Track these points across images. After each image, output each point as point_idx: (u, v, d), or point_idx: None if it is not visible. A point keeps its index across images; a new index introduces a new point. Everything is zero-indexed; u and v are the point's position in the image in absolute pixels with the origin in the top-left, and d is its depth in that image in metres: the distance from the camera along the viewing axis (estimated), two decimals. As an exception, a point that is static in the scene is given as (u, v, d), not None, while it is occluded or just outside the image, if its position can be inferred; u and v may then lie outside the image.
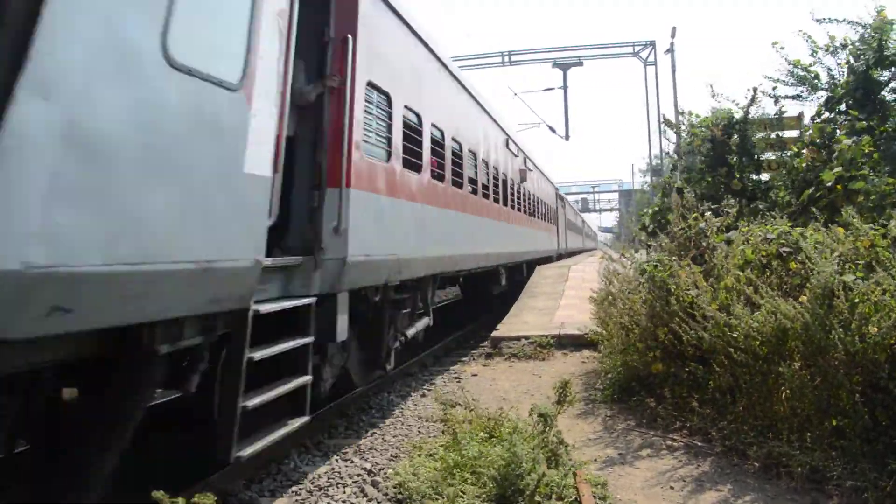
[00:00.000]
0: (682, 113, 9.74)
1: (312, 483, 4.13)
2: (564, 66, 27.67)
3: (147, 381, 3.05)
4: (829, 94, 7.61)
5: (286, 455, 4.63)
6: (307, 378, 4.00)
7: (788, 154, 7.94)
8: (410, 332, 6.58)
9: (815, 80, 7.91)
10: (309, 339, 4.04)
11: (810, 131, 7.52)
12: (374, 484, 3.99)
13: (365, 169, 4.93)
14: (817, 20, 7.82)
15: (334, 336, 4.60)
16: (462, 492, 3.40)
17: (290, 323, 3.95)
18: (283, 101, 3.68)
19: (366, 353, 5.81)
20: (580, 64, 27.92)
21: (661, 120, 12.03)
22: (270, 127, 3.45)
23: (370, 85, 5.10)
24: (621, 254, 6.70)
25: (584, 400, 5.64)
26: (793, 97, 8.26)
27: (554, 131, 29.23)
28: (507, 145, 11.95)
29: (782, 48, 8.01)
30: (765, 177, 8.46)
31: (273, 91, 3.47)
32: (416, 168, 6.33)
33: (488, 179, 10.14)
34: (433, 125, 6.92)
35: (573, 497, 3.34)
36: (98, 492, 2.90)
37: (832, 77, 7.73)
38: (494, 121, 10.75)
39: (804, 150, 7.41)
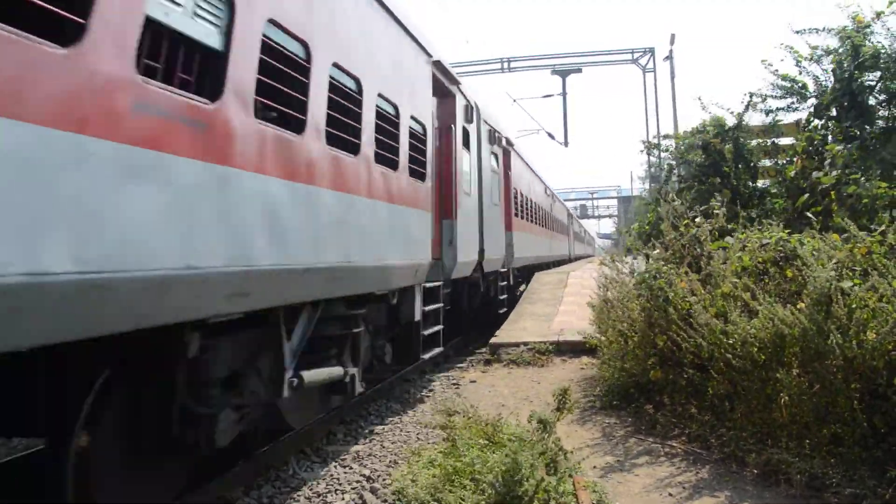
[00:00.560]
0: (667, 136, 9.87)
1: (311, 489, 4.12)
2: (563, 73, 27.78)
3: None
4: (818, 102, 7.66)
5: (285, 461, 4.62)
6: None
7: (782, 162, 7.99)
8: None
9: (803, 90, 7.97)
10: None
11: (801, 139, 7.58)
12: (373, 490, 3.98)
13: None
14: (797, 32, 7.91)
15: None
16: (461, 498, 3.40)
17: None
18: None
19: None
20: (579, 71, 28.05)
21: (645, 144, 11.94)
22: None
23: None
24: (612, 259, 6.72)
25: (583, 406, 5.63)
26: (784, 109, 8.33)
27: (553, 138, 29.32)
28: (545, 191, 20.23)
29: (770, 65, 8.10)
30: (762, 184, 8.50)
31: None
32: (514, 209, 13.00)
33: (540, 214, 18.20)
34: (520, 192, 13.98)
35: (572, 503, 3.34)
36: None
37: (820, 85, 7.79)
38: (541, 179, 19.02)
39: (796, 158, 7.45)
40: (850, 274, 4.18)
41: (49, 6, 2.11)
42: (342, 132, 4.34)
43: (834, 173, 6.52)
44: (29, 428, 3.23)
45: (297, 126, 3.74)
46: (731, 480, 3.86)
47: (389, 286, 5.46)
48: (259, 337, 3.82)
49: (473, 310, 9.93)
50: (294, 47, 3.74)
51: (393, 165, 5.36)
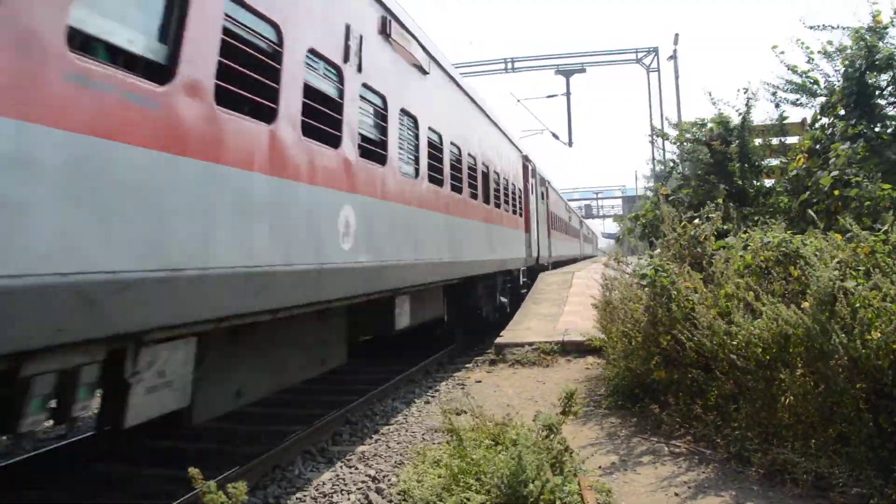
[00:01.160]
0: (674, 125, 9.81)
1: (317, 490, 4.15)
2: (567, 73, 27.76)
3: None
4: (826, 100, 7.61)
5: (291, 461, 4.65)
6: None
7: (787, 160, 7.95)
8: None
9: (814, 86, 7.90)
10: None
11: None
12: (379, 491, 4.01)
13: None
14: (810, 27, 7.83)
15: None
16: (466, 499, 3.41)
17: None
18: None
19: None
20: (583, 70, 28.01)
21: (653, 131, 12.72)
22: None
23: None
24: (614, 258, 6.72)
25: (588, 406, 5.64)
26: (793, 103, 8.27)
27: (557, 138, 29.29)
28: (566, 208, 28.72)
29: (782, 52, 8.00)
30: (768, 182, 8.46)
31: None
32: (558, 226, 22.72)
33: (562, 225, 25.47)
34: (552, 213, 20.83)
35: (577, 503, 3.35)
36: None
37: (830, 82, 7.73)
38: (563, 200, 27.94)
39: (799, 156, 7.42)
40: (854, 273, 4.17)
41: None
42: (498, 198, 11.06)
43: (834, 173, 6.48)
44: None
45: (487, 199, 10.02)
46: (737, 480, 3.85)
47: (513, 267, 12.48)
48: (491, 284, 10.87)
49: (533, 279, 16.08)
50: (479, 165, 9.64)
51: (515, 210, 12.78)
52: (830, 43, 7.63)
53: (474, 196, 9.21)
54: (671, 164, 9.74)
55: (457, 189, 8.17)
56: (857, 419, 3.71)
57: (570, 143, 28.99)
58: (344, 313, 5.60)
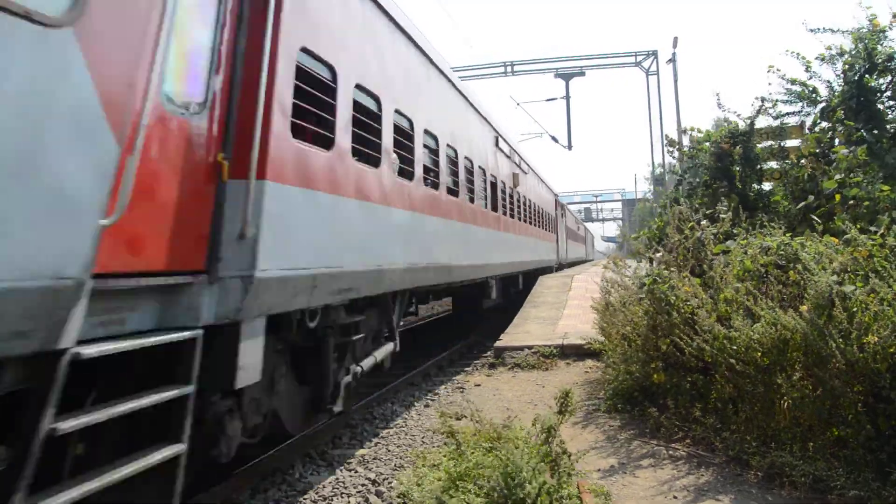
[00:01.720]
0: (685, 131, 9.78)
1: (317, 493, 4.16)
2: (566, 76, 27.86)
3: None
4: (825, 104, 7.62)
5: (291, 465, 4.66)
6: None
7: (789, 164, 7.96)
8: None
9: (814, 95, 7.93)
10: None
11: (807, 142, 7.54)
12: (378, 494, 4.02)
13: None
14: (811, 30, 7.85)
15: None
16: (465, 502, 3.42)
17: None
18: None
19: None
20: (582, 74, 28.12)
21: (665, 140, 12.63)
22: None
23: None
24: (613, 261, 6.73)
25: (587, 409, 5.65)
26: (794, 114, 8.30)
27: (556, 141, 29.36)
28: (576, 220, 36.56)
29: (778, 70, 8.06)
30: (767, 186, 8.47)
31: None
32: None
33: (573, 234, 31.99)
34: (567, 225, 27.99)
35: (576, 507, 3.36)
36: None
37: (831, 88, 7.75)
38: (575, 217, 36.67)
39: (802, 160, 7.43)
40: (852, 277, 4.19)
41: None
42: (542, 224, 17.78)
43: (838, 177, 6.50)
44: None
45: (540, 225, 17.36)
46: (736, 483, 3.87)
47: (548, 264, 19.30)
48: (539, 271, 18.13)
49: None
50: (538, 207, 17.12)
51: (549, 230, 19.74)
52: (829, 48, 7.65)
53: (534, 224, 16.23)
54: (680, 173, 9.72)
55: (528, 221, 14.90)
56: (855, 422, 3.72)
57: (570, 147, 29.07)
58: (470, 287, 9.97)
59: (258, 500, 4.09)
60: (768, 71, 7.96)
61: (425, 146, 6.70)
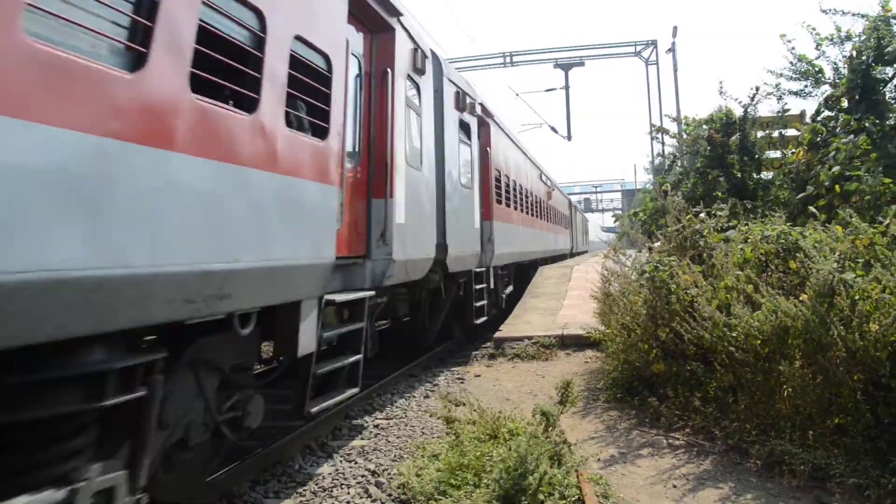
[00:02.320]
0: (675, 119, 9.73)
1: (317, 484, 4.16)
2: (566, 67, 27.70)
3: None
4: (830, 91, 7.55)
5: (291, 456, 4.67)
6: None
7: (787, 153, 7.91)
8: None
9: (819, 74, 7.81)
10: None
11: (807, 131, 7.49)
12: (378, 485, 4.02)
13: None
14: (824, 10, 7.73)
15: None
16: (465, 492, 3.43)
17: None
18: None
19: None
20: (582, 64, 27.96)
21: (652, 128, 13.18)
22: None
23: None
24: (613, 249, 6.72)
25: (587, 399, 5.65)
26: (796, 93, 8.20)
27: (556, 132, 29.26)
28: (583, 217, 42.86)
29: (790, 40, 7.92)
30: (766, 175, 8.42)
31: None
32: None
33: (584, 226, 42.75)
34: (578, 220, 37.45)
35: (576, 496, 3.36)
36: None
37: (837, 71, 7.65)
38: (582, 214, 45.40)
39: (798, 149, 7.38)
40: (854, 265, 4.17)
41: None
42: (560, 222, 24.46)
43: (835, 168, 6.46)
44: None
45: (559, 221, 24.17)
46: (735, 472, 3.87)
47: (565, 252, 25.81)
48: (558, 257, 23.81)
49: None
50: (557, 211, 24.30)
51: (565, 226, 26.91)
52: (839, 29, 7.55)
53: (558, 224, 21.96)
54: (671, 158, 9.69)
55: (554, 222, 20.72)
56: (855, 410, 3.72)
57: (569, 137, 28.97)
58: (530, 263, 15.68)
59: (258, 492, 4.10)
60: (781, 37, 7.84)
61: (523, 193, 14.25)
